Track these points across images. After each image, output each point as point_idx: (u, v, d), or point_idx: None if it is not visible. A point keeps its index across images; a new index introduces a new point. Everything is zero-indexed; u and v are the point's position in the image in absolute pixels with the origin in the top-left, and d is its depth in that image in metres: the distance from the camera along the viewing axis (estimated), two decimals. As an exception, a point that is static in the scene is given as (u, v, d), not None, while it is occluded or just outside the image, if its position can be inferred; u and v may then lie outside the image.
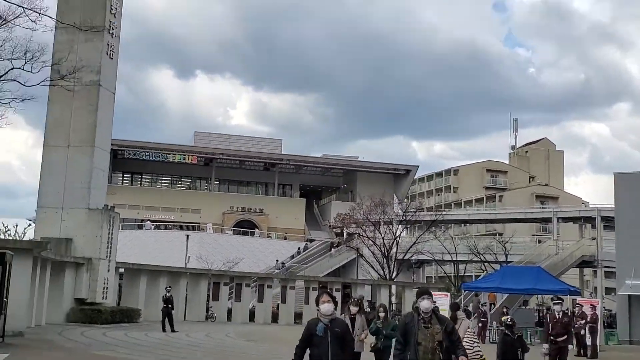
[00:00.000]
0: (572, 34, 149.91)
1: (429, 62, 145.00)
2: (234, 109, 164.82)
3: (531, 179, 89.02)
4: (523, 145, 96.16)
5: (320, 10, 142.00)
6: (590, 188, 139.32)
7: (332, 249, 50.25)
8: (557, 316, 11.96)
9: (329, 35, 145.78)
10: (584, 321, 19.91)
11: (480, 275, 51.72)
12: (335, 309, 6.18)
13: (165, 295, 25.47)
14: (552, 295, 12.65)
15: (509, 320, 10.27)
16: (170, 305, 24.88)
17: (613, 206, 40.55)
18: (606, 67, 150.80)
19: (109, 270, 27.22)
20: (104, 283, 27.04)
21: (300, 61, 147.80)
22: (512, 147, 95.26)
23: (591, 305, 21.41)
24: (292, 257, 51.33)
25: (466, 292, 30.50)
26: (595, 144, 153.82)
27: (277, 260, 48.14)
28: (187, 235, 43.76)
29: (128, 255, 44.90)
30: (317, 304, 6.13)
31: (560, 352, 11.73)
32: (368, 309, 18.37)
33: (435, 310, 6.38)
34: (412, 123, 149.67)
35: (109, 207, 27.40)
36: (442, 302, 26.08)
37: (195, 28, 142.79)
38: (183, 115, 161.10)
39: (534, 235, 66.82)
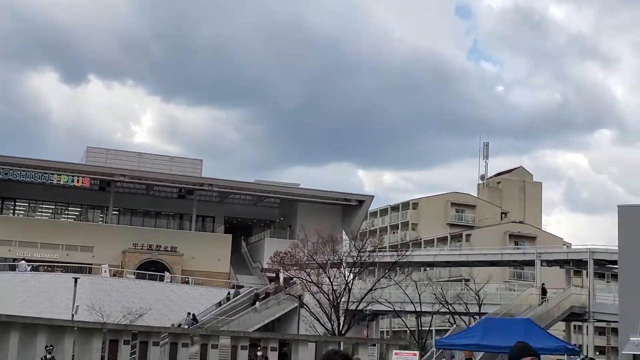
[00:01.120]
0: (547, 47, 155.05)
1: (380, 74, 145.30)
2: (137, 124, 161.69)
3: (504, 215, 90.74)
4: (494, 175, 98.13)
5: (249, 6, 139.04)
6: (567, 228, 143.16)
7: (257, 302, 48.40)
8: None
9: (259, 37, 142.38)
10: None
11: (446, 329, 51.50)
12: None
13: (46, 357, 23.73)
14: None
15: None
16: None
17: (606, 247, 41.47)
18: (587, 87, 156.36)
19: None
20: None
21: (223, 67, 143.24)
22: (482, 177, 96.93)
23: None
24: (220, 304, 49.88)
25: (438, 350, 29.65)
26: (572, 177, 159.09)
27: (189, 313, 46.15)
28: (76, 279, 41.41)
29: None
30: None
31: None
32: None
33: None
34: (359, 147, 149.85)
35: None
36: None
37: (87, 20, 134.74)
38: (72, 130, 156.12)
39: (506, 281, 67.55)
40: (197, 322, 45.23)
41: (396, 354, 26.63)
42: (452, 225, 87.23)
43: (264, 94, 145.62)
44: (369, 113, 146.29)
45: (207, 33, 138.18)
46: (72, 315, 39.55)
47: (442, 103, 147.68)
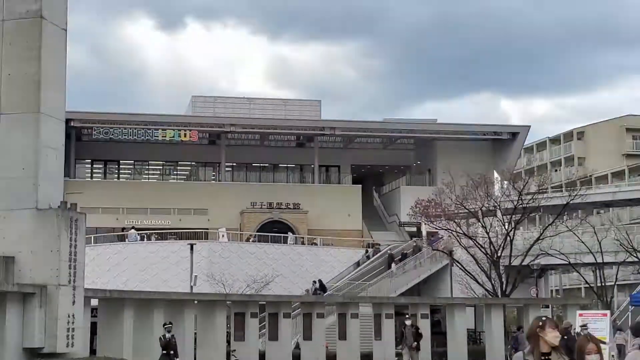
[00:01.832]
0: None
1: None
2: (242, 69, 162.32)
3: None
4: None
5: None
6: None
7: (393, 265, 47.43)
8: None
9: None
10: None
11: (631, 283, 48.82)
12: None
13: (165, 336, 23.91)
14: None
15: None
16: (172, 352, 23.48)
17: None
18: None
19: (74, 303, 25.13)
20: (69, 322, 24.98)
21: None
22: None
23: None
24: (358, 264, 49.77)
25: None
26: None
27: (314, 282, 45.74)
28: (192, 246, 41.78)
29: (105, 280, 43.71)
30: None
31: None
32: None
33: None
34: (500, 73, 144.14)
35: (70, 205, 25.26)
36: (599, 325, 23.28)
37: None
38: (173, 82, 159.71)
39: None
40: (325, 290, 44.70)
41: (580, 315, 24.74)
42: (629, 156, 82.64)
43: (383, 20, 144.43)
44: (509, 28, 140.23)
45: None
46: (191, 287, 40.08)
47: (601, 8, 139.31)
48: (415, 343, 25.00)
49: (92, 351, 28.05)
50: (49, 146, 25.15)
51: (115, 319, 28.73)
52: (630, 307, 28.11)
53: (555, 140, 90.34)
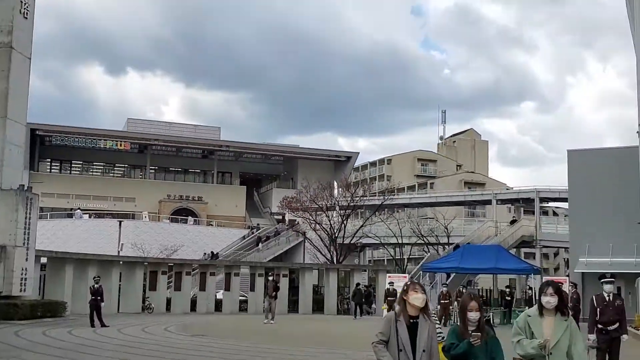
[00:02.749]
0: (482, 38, 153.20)
1: (353, 62, 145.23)
2: (165, 106, 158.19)
3: (458, 167, 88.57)
4: (451, 136, 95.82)
5: (248, 8, 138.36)
6: (501, 178, 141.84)
7: (260, 244, 45.72)
8: (608, 299, 8.84)
9: (257, 34, 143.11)
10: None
11: (420, 257, 49.87)
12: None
13: (94, 286, 21.43)
14: (602, 274, 9.52)
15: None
16: (99, 297, 20.97)
17: (549, 187, 39.45)
18: (514, 69, 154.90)
19: (27, 259, 22.58)
20: (22, 274, 22.43)
21: (231, 59, 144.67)
22: (441, 138, 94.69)
23: (572, 283, 18.93)
24: (244, 238, 47.67)
25: (424, 273, 27.59)
26: (503, 139, 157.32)
27: (205, 253, 43.75)
28: (120, 222, 39.15)
29: (56, 246, 40.04)
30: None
31: (612, 344, 8.70)
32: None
33: None
34: (339, 120, 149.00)
35: (26, 188, 22.66)
36: (400, 283, 23.26)
37: (124, 24, 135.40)
38: (115, 111, 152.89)
39: (462, 219, 65.75)
40: (216, 257, 42.96)
41: (389, 276, 24.60)
42: (418, 176, 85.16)
43: (263, 79, 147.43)
44: (345, 92, 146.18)
45: (217, 33, 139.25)
46: (118, 251, 37.36)
47: (402, 84, 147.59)
48: (274, 293, 23.19)
49: (42, 295, 25.45)
50: (13, 143, 22.55)
51: (59, 272, 26.18)
52: (420, 271, 28.30)
53: (373, 163, 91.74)
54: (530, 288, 23.24)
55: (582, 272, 25.66)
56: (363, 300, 28.04)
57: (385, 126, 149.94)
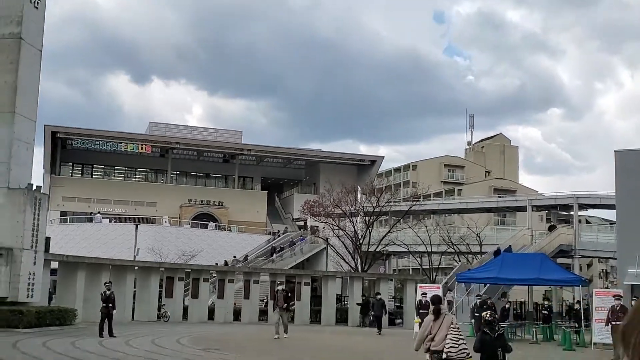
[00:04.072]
0: (506, 43, 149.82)
1: (374, 69, 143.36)
2: (189, 114, 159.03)
3: (487, 174, 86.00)
4: (479, 141, 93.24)
5: (268, 16, 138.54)
6: (528, 186, 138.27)
7: (274, 254, 43.05)
8: None
9: (278, 41, 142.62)
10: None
11: (450, 267, 47.76)
12: None
13: (105, 292, 20.01)
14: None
15: (488, 315, 8.73)
16: (110, 305, 19.53)
17: (589, 193, 37.05)
18: (540, 75, 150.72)
19: (35, 263, 21.32)
20: (29, 278, 21.18)
21: (252, 66, 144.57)
22: (469, 143, 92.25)
23: (616, 296, 16.88)
24: (271, 240, 45.82)
25: (459, 284, 25.55)
26: (528, 146, 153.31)
27: (235, 257, 42.10)
28: (136, 225, 37.86)
29: (76, 250, 39.26)
30: None
31: None
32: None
33: None
34: (360, 128, 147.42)
35: (35, 187, 21.41)
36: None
37: (149, 33, 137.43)
38: (139, 119, 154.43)
39: (492, 227, 63.27)
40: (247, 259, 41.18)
41: (420, 287, 22.65)
42: (445, 182, 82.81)
43: (283, 87, 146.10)
44: (366, 99, 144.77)
45: (238, 41, 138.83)
46: (134, 256, 36.08)
47: (425, 91, 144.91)
48: (286, 305, 20.21)
49: (50, 302, 24.21)
50: (21, 139, 21.29)
51: (71, 278, 24.87)
52: (455, 282, 26.17)
53: (397, 169, 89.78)
54: (579, 302, 21.14)
55: (632, 284, 23.43)
56: (384, 311, 25.38)
57: (408, 133, 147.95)
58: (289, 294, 22.68)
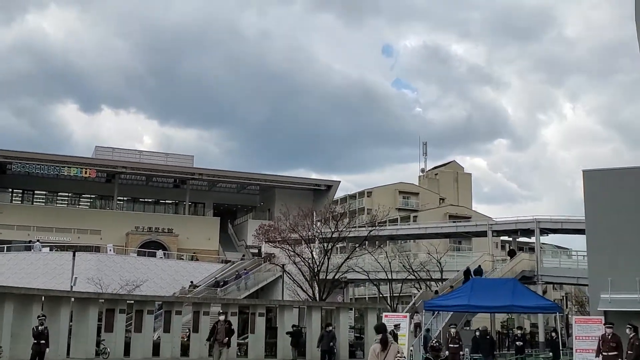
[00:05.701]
0: (452, 76, 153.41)
1: (325, 99, 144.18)
2: (140, 143, 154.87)
3: (441, 200, 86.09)
4: (432, 168, 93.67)
5: (220, 45, 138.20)
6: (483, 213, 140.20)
7: (219, 287, 40.12)
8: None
9: (229, 71, 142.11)
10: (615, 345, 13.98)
11: (409, 295, 46.35)
12: None
13: (37, 327, 17.88)
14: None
15: (434, 342, 9.40)
16: (43, 342, 17.57)
17: (550, 217, 36.54)
18: (485, 106, 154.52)
19: (-51, 296, 18.53)
20: (-58, 314, 18.39)
21: (204, 96, 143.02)
22: (422, 170, 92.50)
23: (608, 324, 15.61)
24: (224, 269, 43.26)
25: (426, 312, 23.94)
26: (476, 176, 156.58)
27: (192, 282, 39.42)
28: (74, 252, 35.02)
29: (14, 280, 36.18)
30: None
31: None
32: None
33: None
34: (312, 156, 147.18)
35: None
36: (403, 324, 19.62)
37: (98, 62, 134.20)
38: (89, 149, 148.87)
39: (454, 253, 62.60)
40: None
41: (386, 316, 20.90)
42: (400, 209, 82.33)
43: (235, 116, 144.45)
44: (317, 129, 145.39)
45: (190, 70, 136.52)
46: (71, 287, 32.98)
47: (376, 121, 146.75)
48: (227, 339, 18.15)
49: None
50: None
51: (-4, 311, 21.98)
52: (423, 310, 24.52)
53: (352, 196, 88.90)
54: (555, 330, 19.87)
55: (605, 310, 22.33)
56: (332, 344, 22.35)
57: (360, 163, 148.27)
58: (232, 327, 20.12)
